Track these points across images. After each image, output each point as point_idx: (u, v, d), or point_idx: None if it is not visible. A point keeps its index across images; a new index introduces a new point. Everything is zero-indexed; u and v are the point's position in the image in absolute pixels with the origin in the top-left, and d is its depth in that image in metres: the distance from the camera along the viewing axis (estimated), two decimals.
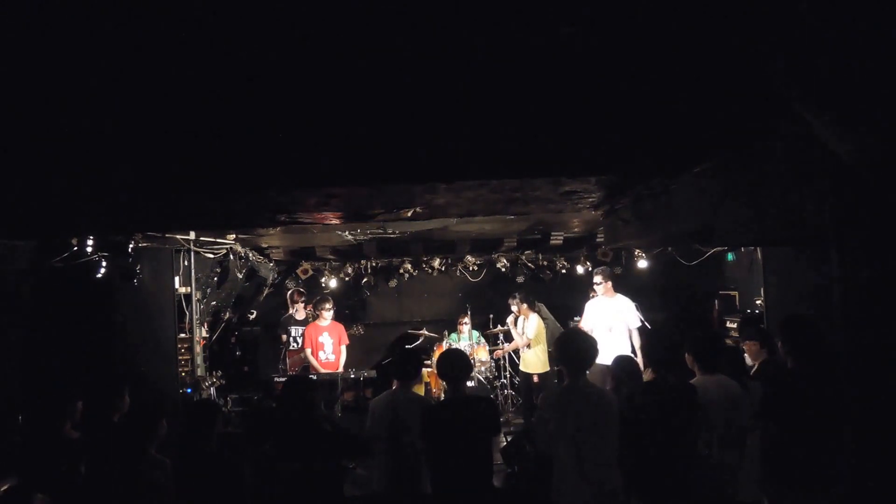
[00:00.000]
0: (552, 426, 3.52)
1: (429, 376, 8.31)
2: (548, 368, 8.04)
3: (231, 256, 7.16)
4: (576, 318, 8.56)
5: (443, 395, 8.06)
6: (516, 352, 8.62)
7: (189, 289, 6.49)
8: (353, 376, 7.66)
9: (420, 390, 7.90)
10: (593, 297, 7.48)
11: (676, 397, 3.70)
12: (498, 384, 8.97)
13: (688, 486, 3.59)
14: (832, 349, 3.28)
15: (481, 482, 3.58)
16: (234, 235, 6.73)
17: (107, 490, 3.31)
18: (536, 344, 8.03)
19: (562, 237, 8.35)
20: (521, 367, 8.26)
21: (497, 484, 4.06)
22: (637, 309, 7.07)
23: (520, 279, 9.67)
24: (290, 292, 8.60)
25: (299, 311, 8.28)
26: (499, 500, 3.50)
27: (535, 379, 7.98)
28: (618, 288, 7.41)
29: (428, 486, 3.87)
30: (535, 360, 8.04)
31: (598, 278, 7.21)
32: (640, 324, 6.88)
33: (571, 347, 3.69)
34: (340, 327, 8.05)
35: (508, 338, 8.79)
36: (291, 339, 8.10)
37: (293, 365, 7.87)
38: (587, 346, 3.71)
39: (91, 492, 3.36)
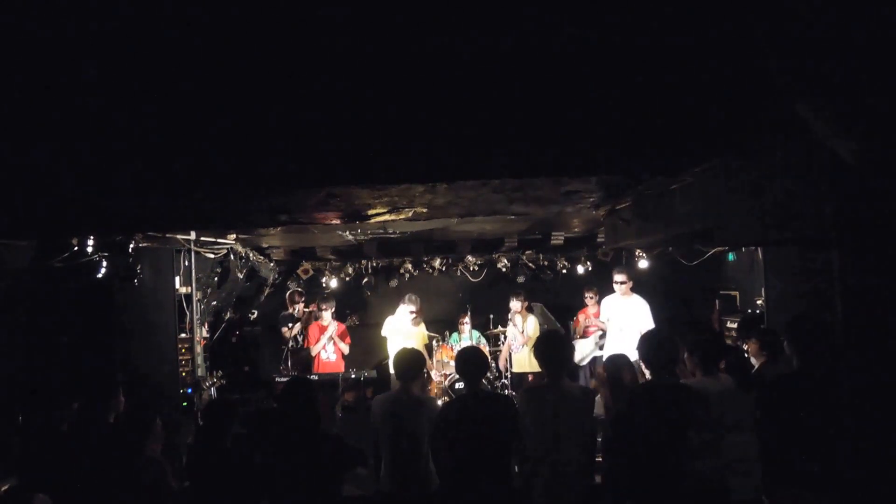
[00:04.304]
0: (528, 422, 3.62)
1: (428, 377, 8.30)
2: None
3: (231, 256, 7.15)
4: (570, 322, 8.62)
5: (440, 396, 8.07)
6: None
7: (189, 289, 6.48)
8: (353, 376, 7.66)
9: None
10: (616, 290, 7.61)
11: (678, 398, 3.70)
12: (499, 384, 8.96)
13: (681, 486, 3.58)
14: (834, 349, 3.28)
15: (493, 483, 3.57)
16: (234, 235, 6.72)
17: (105, 490, 3.31)
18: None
19: (562, 237, 8.36)
20: (514, 368, 8.28)
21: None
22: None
23: (520, 279, 9.67)
24: (289, 293, 8.63)
25: (299, 310, 8.29)
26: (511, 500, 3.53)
27: (530, 378, 7.99)
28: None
29: (432, 485, 3.86)
30: (529, 360, 8.04)
31: (620, 276, 7.41)
32: (651, 326, 6.90)
33: (549, 349, 3.77)
34: (342, 328, 8.06)
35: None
36: (292, 337, 8.11)
37: (297, 364, 7.89)
38: (564, 348, 3.83)
39: (89, 492, 3.36)
